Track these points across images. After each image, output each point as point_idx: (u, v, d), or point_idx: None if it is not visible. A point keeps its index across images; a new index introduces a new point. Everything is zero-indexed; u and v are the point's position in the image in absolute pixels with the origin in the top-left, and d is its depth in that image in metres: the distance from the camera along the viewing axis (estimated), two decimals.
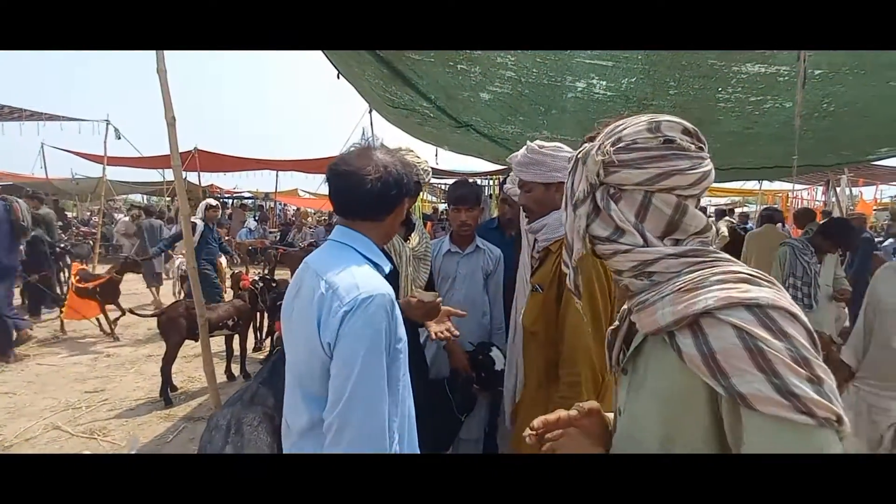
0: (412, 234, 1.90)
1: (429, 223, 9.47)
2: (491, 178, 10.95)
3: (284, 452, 1.12)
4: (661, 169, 0.64)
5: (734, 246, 5.29)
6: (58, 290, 6.58)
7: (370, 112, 6.58)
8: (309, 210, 17.67)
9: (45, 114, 7.39)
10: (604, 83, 2.78)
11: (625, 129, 0.68)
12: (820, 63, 2.39)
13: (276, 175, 14.49)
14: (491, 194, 10.64)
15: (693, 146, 0.65)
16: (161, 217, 9.31)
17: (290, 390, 1.07)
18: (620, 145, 0.66)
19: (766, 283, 0.59)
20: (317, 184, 14.80)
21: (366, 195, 1.03)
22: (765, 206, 6.84)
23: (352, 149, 1.10)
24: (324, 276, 1.00)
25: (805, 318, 0.56)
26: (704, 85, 2.75)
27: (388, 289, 1.00)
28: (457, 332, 1.57)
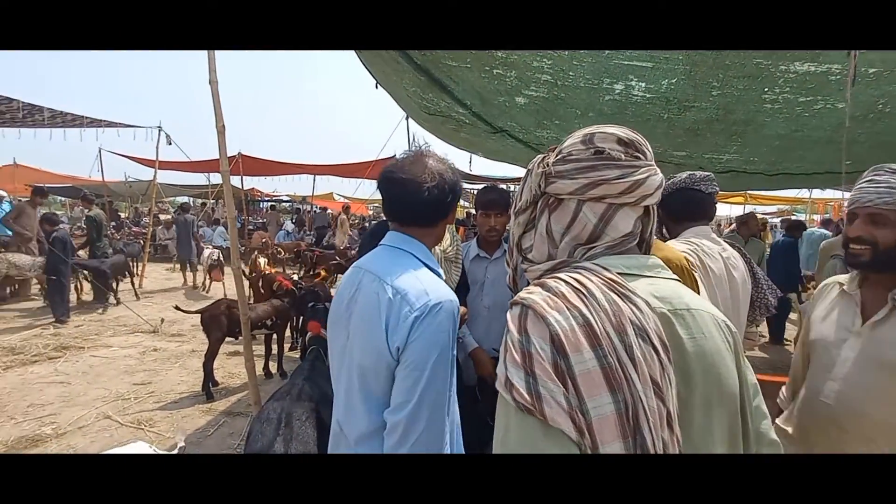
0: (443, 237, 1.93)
1: (461, 228, 9.48)
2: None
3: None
4: (590, 179, 0.67)
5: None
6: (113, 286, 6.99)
7: (406, 119, 6.71)
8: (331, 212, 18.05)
9: (104, 121, 7.87)
10: (643, 85, 2.72)
11: (566, 141, 0.73)
12: (874, 61, 2.26)
13: (314, 179, 14.92)
14: None
15: (625, 156, 0.68)
16: (195, 214, 10.17)
17: (346, 394, 1.08)
18: (558, 157, 0.71)
19: (555, 289, 0.60)
20: (352, 188, 15.14)
21: (423, 202, 1.06)
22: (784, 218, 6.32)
23: (404, 155, 1.13)
24: (389, 282, 1.02)
25: (556, 323, 0.57)
26: (749, 85, 2.65)
27: (453, 295, 1.02)
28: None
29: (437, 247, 1.86)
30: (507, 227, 2.25)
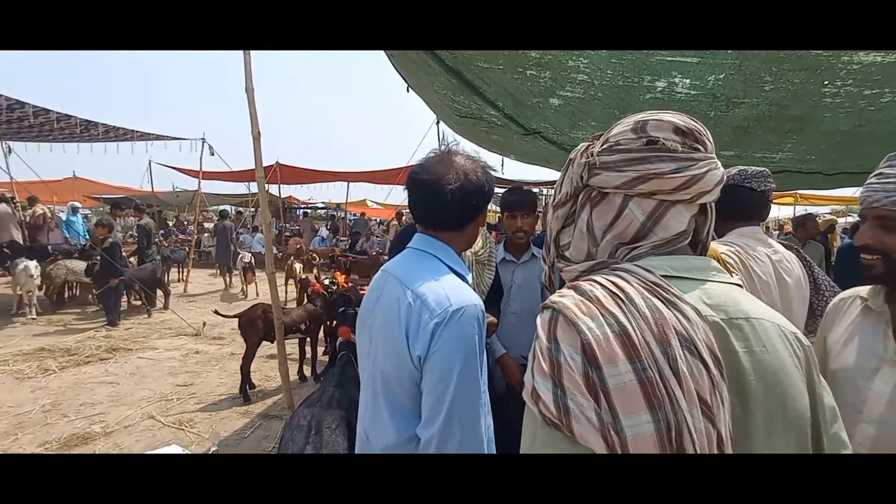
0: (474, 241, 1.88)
1: (493, 232, 9.40)
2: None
3: None
4: (640, 172, 0.61)
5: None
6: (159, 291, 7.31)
7: (437, 123, 6.72)
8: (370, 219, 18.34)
9: (153, 134, 8.31)
10: (687, 81, 2.58)
11: (614, 128, 0.65)
12: None
13: (347, 186, 15.22)
14: None
15: (682, 147, 0.61)
16: (235, 221, 10.75)
17: (370, 401, 1.05)
18: (604, 147, 0.63)
19: (589, 293, 0.55)
20: (384, 194, 15.33)
21: (446, 204, 1.01)
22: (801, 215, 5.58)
23: (431, 155, 1.08)
24: (410, 287, 0.97)
25: (588, 331, 0.51)
26: (807, 79, 2.45)
27: (477, 299, 0.97)
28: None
29: (468, 250, 1.81)
30: (537, 229, 2.18)
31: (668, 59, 2.44)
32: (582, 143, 0.68)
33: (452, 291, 0.95)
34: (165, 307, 7.12)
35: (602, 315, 0.52)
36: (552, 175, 9.59)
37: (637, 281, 0.55)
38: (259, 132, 2.27)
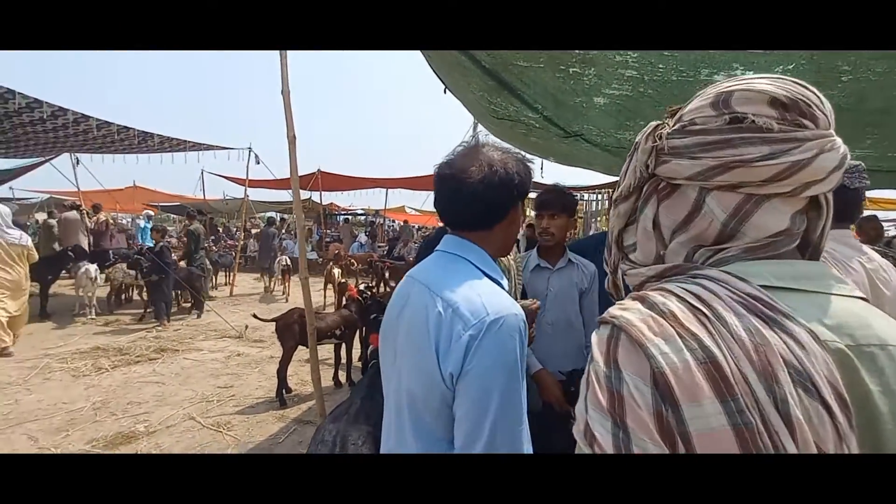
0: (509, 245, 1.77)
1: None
2: (599, 192, 10.33)
3: None
4: (720, 160, 0.47)
5: None
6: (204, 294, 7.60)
7: (475, 125, 6.64)
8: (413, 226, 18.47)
9: (204, 144, 8.71)
10: (751, 73, 2.36)
11: (689, 103, 0.51)
12: None
13: (386, 193, 15.41)
14: (599, 209, 10.02)
15: (779, 124, 0.46)
16: (279, 228, 11.18)
17: (394, 421, 0.94)
18: (677, 126, 0.51)
19: (661, 306, 0.42)
20: (422, 200, 15.41)
21: (468, 200, 0.89)
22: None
23: (459, 148, 0.96)
24: (439, 294, 0.85)
25: (661, 356, 0.39)
26: (890, 68, 2.17)
27: (517, 308, 0.83)
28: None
29: (509, 257, 1.69)
30: (570, 233, 2.04)
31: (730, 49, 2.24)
32: (652, 123, 0.56)
33: (489, 299, 0.82)
34: (193, 311, 7.30)
35: (680, 336, 0.40)
36: (596, 178, 9.28)
37: (727, 292, 0.42)
38: (294, 135, 2.26)
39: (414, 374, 0.87)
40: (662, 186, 0.52)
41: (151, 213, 10.90)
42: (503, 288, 0.90)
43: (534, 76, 2.79)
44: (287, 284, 9.02)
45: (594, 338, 0.45)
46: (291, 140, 2.25)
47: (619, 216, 0.57)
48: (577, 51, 2.47)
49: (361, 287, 4.33)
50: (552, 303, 1.92)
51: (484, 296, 0.83)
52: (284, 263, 8.82)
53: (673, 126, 0.51)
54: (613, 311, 0.45)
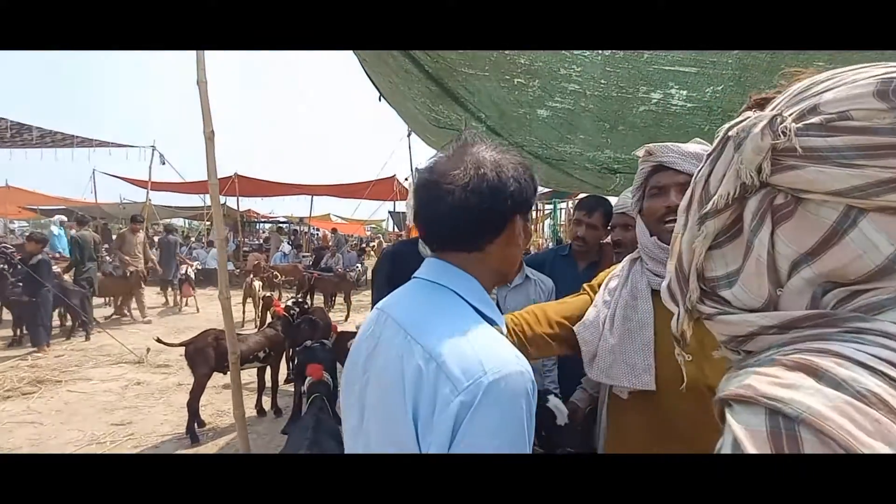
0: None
1: None
2: (539, 202, 10.68)
3: None
4: (891, 170, 0.34)
5: None
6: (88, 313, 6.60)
7: (409, 135, 6.49)
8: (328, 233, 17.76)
9: (96, 140, 7.65)
10: (684, 93, 2.46)
11: (828, 89, 0.38)
12: None
13: (311, 200, 14.70)
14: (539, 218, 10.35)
15: None
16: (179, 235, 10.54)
17: None
18: (813, 120, 0.37)
19: (857, 387, 0.30)
20: (350, 208, 14.89)
21: (451, 212, 0.69)
22: None
23: (449, 148, 0.77)
24: (419, 340, 0.66)
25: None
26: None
27: (522, 362, 0.64)
28: None
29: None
30: (532, 246, 1.99)
31: (667, 68, 2.31)
32: (746, 113, 0.43)
33: (486, 351, 0.63)
34: (77, 331, 6.34)
35: None
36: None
37: None
38: (213, 131, 1.94)
39: (384, 445, 0.67)
40: (783, 202, 0.39)
41: (64, 217, 9.43)
42: (500, 329, 0.71)
43: (478, 84, 2.72)
44: (191, 297, 8.25)
45: (738, 430, 0.32)
46: (209, 136, 1.93)
47: (704, 237, 0.43)
48: (522, 60, 2.43)
49: (289, 302, 3.94)
50: None
51: (480, 346, 0.63)
52: (183, 273, 8.03)
53: (803, 118, 0.38)
54: (769, 389, 0.31)
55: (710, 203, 0.42)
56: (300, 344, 2.38)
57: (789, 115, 0.39)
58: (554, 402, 1.50)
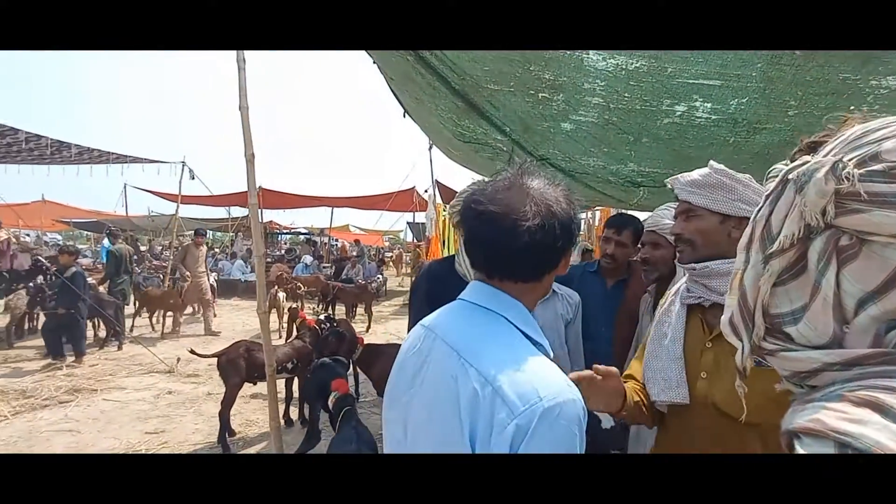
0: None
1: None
2: None
3: None
4: None
5: None
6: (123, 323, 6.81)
7: (430, 149, 6.59)
8: (346, 244, 17.78)
9: (129, 156, 7.96)
10: (708, 105, 2.46)
11: (885, 138, 0.41)
12: None
13: (332, 212, 14.94)
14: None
15: None
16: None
17: None
18: (876, 167, 0.40)
19: None
20: (372, 220, 15.08)
21: (522, 248, 0.71)
22: None
23: (497, 179, 0.79)
24: (474, 364, 0.68)
25: None
26: (833, 103, 2.36)
27: (574, 390, 0.68)
28: None
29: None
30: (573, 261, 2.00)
31: (691, 81, 2.33)
32: (804, 158, 0.46)
33: (541, 378, 0.66)
34: (110, 341, 6.49)
35: None
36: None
37: None
38: (253, 154, 2.04)
39: None
40: (847, 243, 0.41)
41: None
42: (548, 355, 0.74)
43: (503, 100, 2.77)
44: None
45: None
46: (250, 160, 2.03)
47: (770, 275, 0.45)
48: (546, 76, 2.47)
49: (321, 316, 4.02)
50: None
51: (534, 373, 0.66)
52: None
53: (865, 165, 0.41)
54: (838, 424, 0.34)
55: (776, 243, 0.45)
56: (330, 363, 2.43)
57: (850, 161, 0.41)
58: None
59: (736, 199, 1.09)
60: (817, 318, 0.43)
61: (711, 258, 1.10)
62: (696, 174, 1.17)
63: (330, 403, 1.95)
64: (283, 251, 16.89)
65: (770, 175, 0.54)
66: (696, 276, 1.12)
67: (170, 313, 7.31)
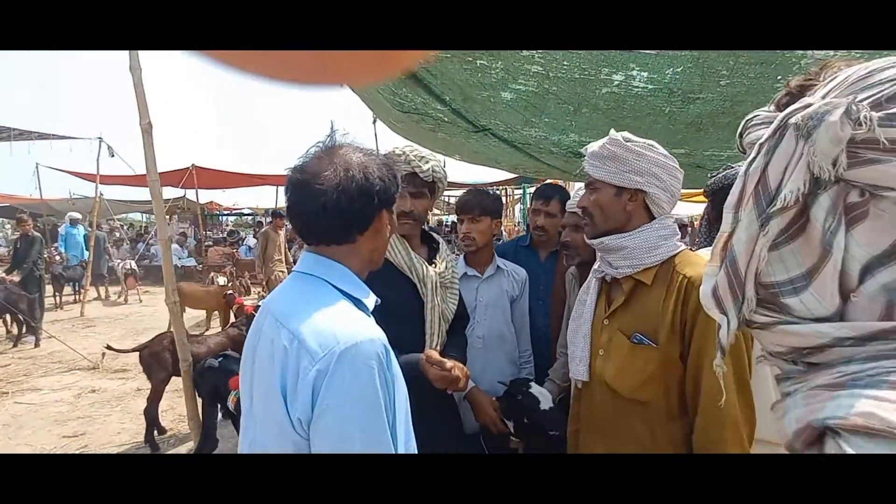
0: (437, 258, 1.54)
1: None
2: (500, 188, 10.64)
3: None
4: None
5: None
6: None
7: (374, 122, 6.31)
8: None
9: (35, 132, 7.11)
10: (644, 74, 2.44)
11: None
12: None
13: (277, 191, 14.24)
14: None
15: None
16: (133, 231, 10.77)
17: None
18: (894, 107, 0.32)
19: None
20: None
21: (323, 211, 0.78)
22: None
23: (315, 149, 0.84)
24: (286, 324, 0.74)
25: None
26: (762, 73, 2.40)
27: (375, 331, 0.75)
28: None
29: (431, 269, 1.47)
30: (495, 234, 1.93)
31: (628, 50, 2.28)
32: (804, 100, 0.37)
33: (341, 325, 0.73)
34: (24, 336, 5.89)
35: None
36: (497, 175, 9.45)
37: None
38: (150, 123, 1.78)
39: (266, 425, 0.75)
40: (857, 200, 0.35)
41: (78, 215, 8.92)
42: (366, 308, 0.82)
43: (441, 66, 2.62)
44: (128, 289, 8.43)
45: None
46: (146, 129, 1.77)
47: (765, 237, 0.38)
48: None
49: (258, 301, 3.78)
50: (482, 314, 1.76)
51: (337, 322, 0.73)
52: (128, 268, 7.80)
53: (883, 107, 0.33)
54: (889, 416, 0.27)
55: (778, 200, 0.37)
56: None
57: (865, 101, 0.33)
58: (536, 388, 1.54)
59: (628, 170, 1.06)
60: (825, 286, 0.36)
61: (610, 232, 1.08)
62: (595, 145, 1.15)
63: (231, 404, 1.79)
64: (224, 234, 16.01)
65: (752, 123, 0.45)
66: (599, 251, 1.12)
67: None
